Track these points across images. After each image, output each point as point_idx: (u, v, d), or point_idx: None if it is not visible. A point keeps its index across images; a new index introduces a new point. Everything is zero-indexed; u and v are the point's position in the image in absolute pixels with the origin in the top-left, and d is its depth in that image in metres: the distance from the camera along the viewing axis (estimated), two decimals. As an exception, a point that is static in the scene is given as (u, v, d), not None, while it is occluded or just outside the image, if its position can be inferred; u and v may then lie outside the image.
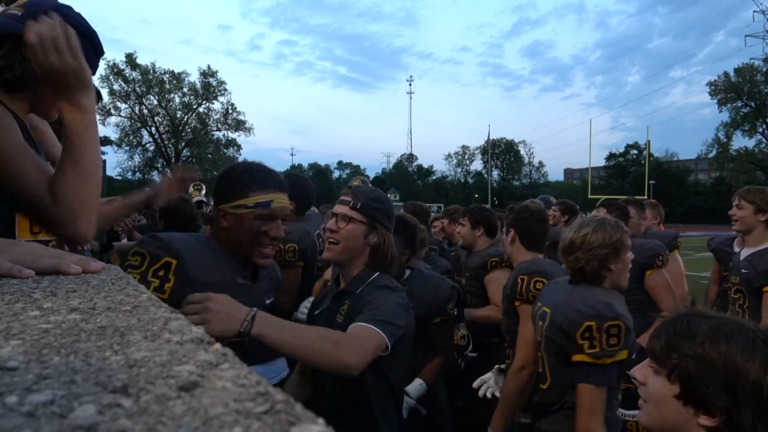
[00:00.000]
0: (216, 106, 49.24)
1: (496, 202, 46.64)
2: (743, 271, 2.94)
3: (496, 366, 2.56)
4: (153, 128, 47.23)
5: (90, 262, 0.88)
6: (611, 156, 62.27)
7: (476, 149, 70.87)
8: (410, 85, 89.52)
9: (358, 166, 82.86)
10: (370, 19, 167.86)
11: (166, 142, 47.54)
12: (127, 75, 44.53)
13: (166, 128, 47.70)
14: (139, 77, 45.45)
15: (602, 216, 2.12)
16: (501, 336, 2.67)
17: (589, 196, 31.73)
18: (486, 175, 63.14)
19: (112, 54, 51.53)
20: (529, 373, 2.19)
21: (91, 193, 1.20)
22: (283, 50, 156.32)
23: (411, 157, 76.34)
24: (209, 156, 47.49)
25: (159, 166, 48.15)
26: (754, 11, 46.81)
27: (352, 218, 1.67)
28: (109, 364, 0.38)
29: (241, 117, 49.16)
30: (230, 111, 49.00)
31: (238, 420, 0.28)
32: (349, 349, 1.32)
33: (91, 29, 1.33)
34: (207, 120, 48.68)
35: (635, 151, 58.68)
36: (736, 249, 3.99)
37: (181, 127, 47.73)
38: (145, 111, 46.89)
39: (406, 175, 71.26)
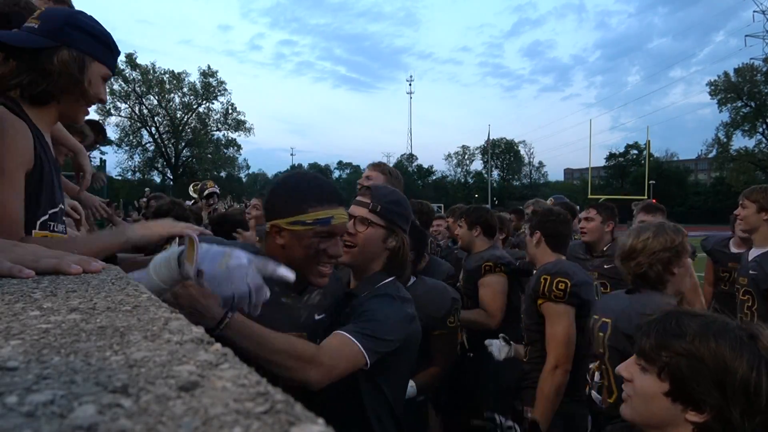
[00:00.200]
0: (216, 106, 49.44)
1: (496, 202, 46.66)
2: (751, 272, 2.94)
3: (501, 335, 2.71)
4: (153, 128, 47.28)
5: (90, 262, 0.88)
6: (611, 156, 62.23)
7: (476, 149, 70.92)
8: (410, 85, 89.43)
9: (358, 166, 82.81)
10: (370, 19, 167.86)
11: (166, 142, 47.57)
12: (127, 75, 44.57)
13: (166, 128, 47.74)
14: (139, 77, 45.51)
15: (660, 220, 2.17)
16: (495, 337, 2.73)
17: (589, 196, 31.71)
18: (486, 175, 63.15)
19: (112, 54, 51.43)
20: (563, 372, 2.24)
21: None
22: (283, 50, 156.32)
23: (411, 157, 76.36)
24: (209, 156, 47.53)
25: (159, 166, 48.21)
26: (754, 11, 46.77)
27: (372, 222, 1.59)
28: (109, 364, 0.38)
29: (241, 117, 49.35)
30: (230, 111, 49.13)
31: (238, 420, 0.28)
32: (313, 366, 1.27)
33: (104, 32, 1.36)
34: (207, 120, 48.76)
35: (635, 151, 58.65)
36: (733, 249, 4.01)
37: (181, 127, 47.77)
38: (145, 111, 46.94)
39: (406, 175, 70.95)
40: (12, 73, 1.26)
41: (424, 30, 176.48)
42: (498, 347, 2.68)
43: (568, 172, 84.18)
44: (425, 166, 75.35)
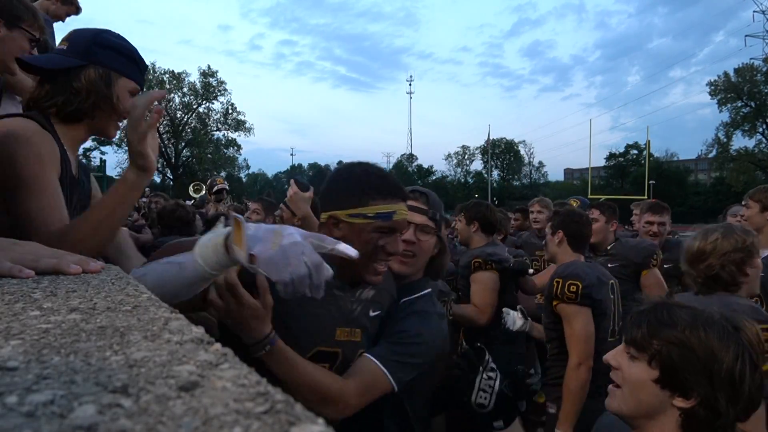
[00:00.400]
0: (216, 106, 49.43)
1: (496, 202, 46.66)
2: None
3: (519, 307, 2.85)
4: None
5: (89, 262, 0.88)
6: (611, 156, 62.19)
7: (476, 149, 70.89)
8: (410, 85, 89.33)
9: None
10: (370, 19, 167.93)
11: (166, 142, 47.52)
12: (127, 75, 44.48)
13: (166, 128, 47.68)
14: (139, 77, 45.42)
15: (733, 222, 2.14)
16: (488, 337, 2.81)
17: (589, 196, 31.70)
18: (486, 175, 63.17)
19: (112, 54, 51.44)
20: (587, 368, 2.29)
21: (100, 243, 1.26)
22: (283, 50, 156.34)
23: (411, 157, 76.37)
24: (209, 156, 47.52)
25: (159, 166, 48.12)
26: (754, 11, 46.78)
27: (431, 229, 1.54)
28: (109, 364, 0.38)
29: (241, 117, 49.35)
30: (230, 111, 49.12)
31: (238, 420, 0.28)
32: (338, 405, 1.24)
33: (130, 47, 1.42)
34: (207, 120, 48.77)
35: (635, 151, 58.61)
36: None
37: (181, 127, 47.76)
38: (145, 111, 46.81)
39: (406, 175, 71.21)
40: (47, 95, 1.33)
41: (424, 30, 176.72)
42: (513, 318, 2.81)
43: (568, 172, 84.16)
44: (425, 166, 75.41)
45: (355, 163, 1.41)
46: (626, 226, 6.59)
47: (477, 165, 71.64)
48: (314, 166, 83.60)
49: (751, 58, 46.00)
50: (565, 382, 2.33)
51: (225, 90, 48.49)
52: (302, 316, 1.28)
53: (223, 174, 47.54)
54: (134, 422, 0.27)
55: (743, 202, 3.17)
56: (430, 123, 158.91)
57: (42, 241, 1.13)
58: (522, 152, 70.64)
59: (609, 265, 3.24)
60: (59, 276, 0.82)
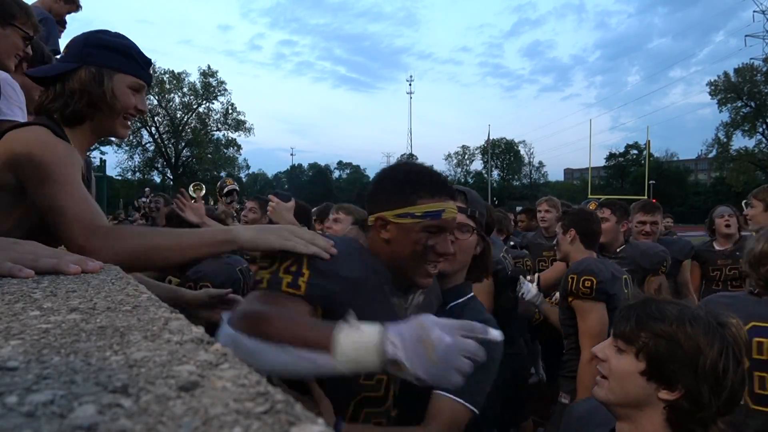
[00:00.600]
0: (216, 106, 49.41)
1: (496, 202, 46.67)
2: None
3: (538, 274, 2.96)
4: (153, 128, 47.23)
5: (88, 261, 0.88)
6: (611, 156, 62.23)
7: (476, 149, 70.87)
8: (410, 85, 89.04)
9: (358, 166, 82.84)
10: (370, 19, 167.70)
11: (166, 142, 47.55)
12: (127, 75, 44.51)
13: (166, 128, 47.72)
14: (139, 77, 45.44)
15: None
16: None
17: (589, 196, 31.70)
18: (486, 175, 63.17)
19: (112, 54, 51.59)
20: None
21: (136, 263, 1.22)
22: (283, 50, 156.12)
23: (411, 157, 76.31)
24: (209, 156, 47.52)
25: (159, 166, 48.19)
26: (754, 11, 46.73)
27: (471, 227, 1.51)
28: (109, 364, 0.38)
29: (241, 117, 49.33)
30: (230, 111, 49.09)
31: (238, 420, 0.28)
32: None
33: (123, 43, 1.41)
34: (207, 120, 48.75)
35: (635, 151, 58.65)
36: (717, 247, 4.03)
37: (181, 127, 47.75)
38: (145, 111, 46.88)
39: (406, 175, 71.10)
40: (49, 101, 1.36)
41: (424, 30, 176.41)
42: (528, 288, 2.88)
43: (568, 172, 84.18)
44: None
45: (401, 163, 1.38)
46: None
47: (477, 165, 71.71)
48: (314, 166, 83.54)
49: (751, 58, 46.02)
50: (578, 376, 2.40)
51: (225, 90, 48.55)
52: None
53: (223, 174, 47.61)
54: (134, 422, 0.27)
55: (744, 201, 3.19)
56: (430, 123, 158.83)
57: (79, 232, 1.15)
58: (522, 152, 70.68)
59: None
60: (59, 276, 0.82)
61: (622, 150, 61.85)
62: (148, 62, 1.46)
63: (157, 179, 47.79)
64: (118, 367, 0.37)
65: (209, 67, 48.07)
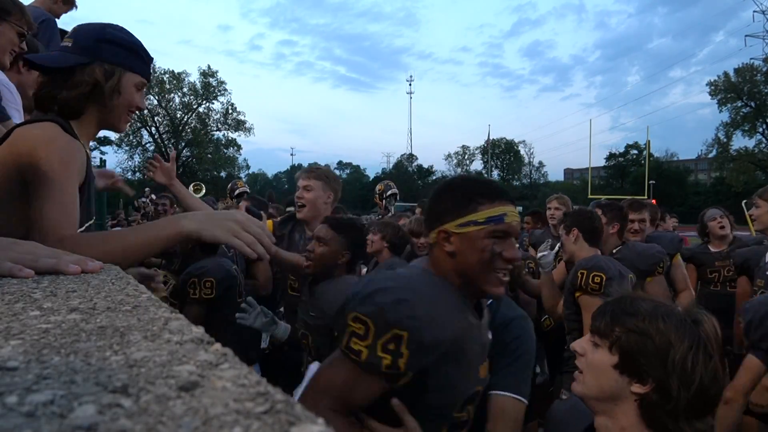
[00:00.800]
0: (216, 106, 49.38)
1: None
2: None
3: (559, 244, 2.98)
4: (153, 128, 47.24)
5: (88, 261, 0.88)
6: (611, 156, 62.19)
7: (476, 149, 70.88)
8: (410, 85, 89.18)
9: (358, 166, 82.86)
10: (370, 19, 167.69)
11: (166, 142, 47.50)
12: (127, 75, 44.50)
13: (166, 128, 47.70)
14: (139, 77, 45.43)
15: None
16: None
17: (589, 196, 31.70)
18: (486, 175, 63.21)
19: (112, 54, 51.65)
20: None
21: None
22: (282, 50, 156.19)
23: (411, 157, 76.32)
24: (209, 156, 47.52)
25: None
26: (754, 11, 46.72)
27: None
28: (109, 364, 0.38)
29: (241, 117, 49.31)
30: (230, 111, 49.08)
31: (238, 420, 0.28)
32: None
33: (134, 41, 1.42)
34: (207, 120, 48.73)
35: (635, 151, 58.61)
36: (713, 249, 4.03)
37: (181, 127, 47.75)
38: (145, 111, 46.83)
39: (406, 175, 71.25)
40: (55, 92, 1.33)
41: (424, 30, 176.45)
42: (549, 260, 2.93)
43: (568, 172, 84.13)
44: (425, 166, 75.37)
45: (454, 176, 1.42)
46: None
47: (477, 165, 71.67)
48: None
49: (751, 58, 45.97)
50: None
51: (225, 90, 48.51)
52: (463, 365, 1.21)
53: (223, 174, 47.60)
54: (134, 422, 0.27)
55: (744, 202, 3.19)
56: (430, 123, 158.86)
57: (45, 242, 1.12)
58: (522, 152, 70.68)
59: None
60: (59, 276, 0.81)
61: (622, 150, 61.83)
62: (151, 59, 1.48)
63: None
64: (118, 367, 0.37)
65: (209, 67, 48.11)
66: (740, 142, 47.18)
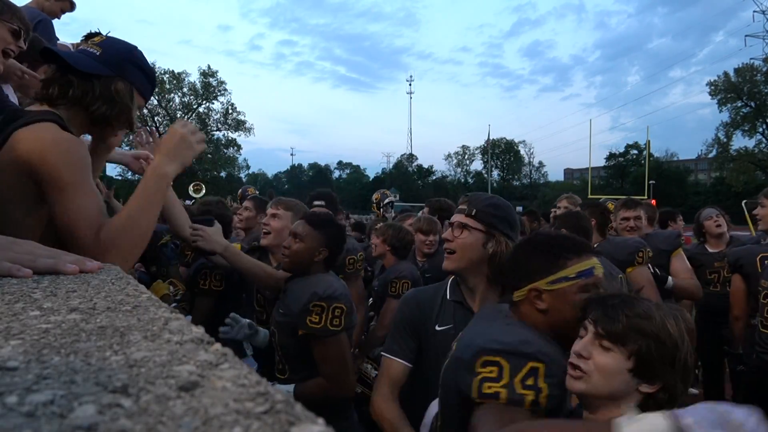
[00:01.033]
0: (216, 106, 49.41)
1: (496, 202, 46.36)
2: None
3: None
4: (153, 128, 47.19)
5: (86, 261, 0.88)
6: (611, 156, 62.17)
7: (476, 149, 70.92)
8: (410, 85, 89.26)
9: (358, 166, 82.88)
10: (370, 20, 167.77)
11: (166, 142, 47.42)
12: (127, 75, 44.53)
13: (166, 128, 47.58)
14: (139, 77, 45.45)
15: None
16: None
17: (589, 196, 31.70)
18: (486, 175, 63.15)
19: (112, 54, 51.77)
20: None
21: (136, 242, 1.28)
22: (282, 50, 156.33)
23: (411, 157, 76.31)
24: (209, 156, 47.50)
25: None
26: (754, 11, 46.69)
27: (467, 225, 1.60)
28: (109, 364, 0.38)
29: (241, 117, 49.33)
30: (230, 111, 49.10)
31: (238, 420, 0.28)
32: None
33: (151, 68, 1.53)
34: (207, 120, 48.71)
35: (635, 151, 58.59)
36: (711, 250, 4.02)
37: (181, 127, 47.66)
38: (145, 111, 46.86)
39: (406, 175, 71.30)
40: (81, 94, 1.37)
41: (423, 30, 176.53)
42: None
43: (568, 172, 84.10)
44: (425, 166, 75.42)
45: (534, 234, 1.44)
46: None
47: (477, 165, 71.77)
48: (314, 166, 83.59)
49: (751, 58, 45.96)
50: None
51: (225, 90, 48.55)
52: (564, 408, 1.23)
53: (223, 174, 47.60)
54: (134, 422, 0.27)
55: (744, 202, 3.19)
56: (430, 123, 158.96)
57: (85, 243, 1.19)
58: (522, 152, 70.75)
59: None
60: (59, 276, 0.81)
61: (622, 150, 61.81)
62: (156, 86, 1.60)
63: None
64: (118, 367, 0.37)
65: (209, 67, 48.14)
66: (740, 142, 47.23)
